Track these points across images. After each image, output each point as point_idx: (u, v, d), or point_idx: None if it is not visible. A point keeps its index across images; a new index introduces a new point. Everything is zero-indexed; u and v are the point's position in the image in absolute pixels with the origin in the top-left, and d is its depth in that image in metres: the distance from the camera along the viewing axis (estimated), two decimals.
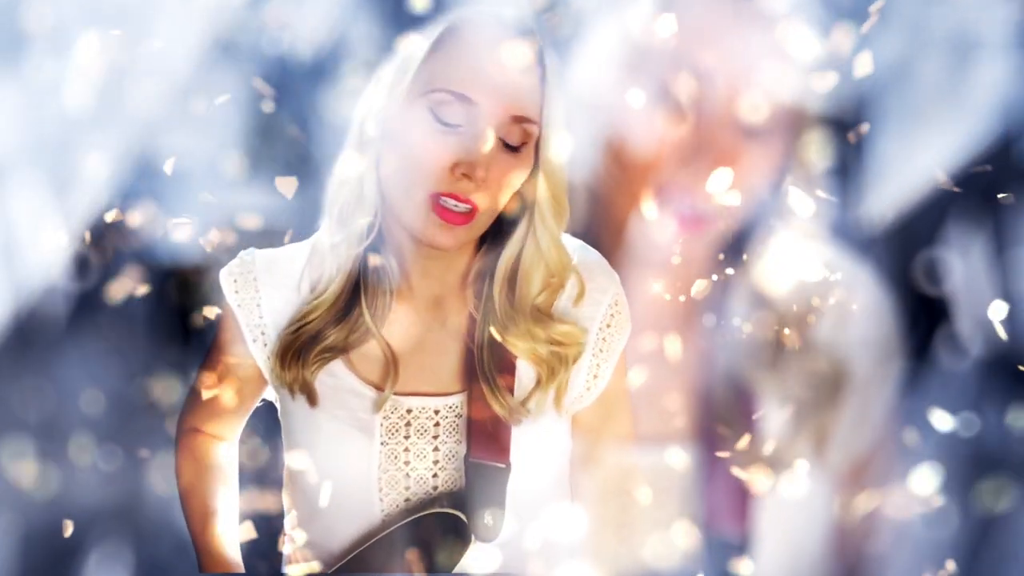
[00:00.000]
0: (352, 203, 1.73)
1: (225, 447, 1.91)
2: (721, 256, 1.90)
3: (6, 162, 1.92)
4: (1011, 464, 1.98)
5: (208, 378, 1.86)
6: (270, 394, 1.88)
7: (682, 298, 1.91)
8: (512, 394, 1.75)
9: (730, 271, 1.90)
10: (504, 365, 1.75)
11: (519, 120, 1.67)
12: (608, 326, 1.79)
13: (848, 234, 1.94)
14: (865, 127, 1.93)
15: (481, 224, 1.70)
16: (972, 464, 1.96)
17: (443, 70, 1.66)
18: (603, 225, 1.90)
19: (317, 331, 1.74)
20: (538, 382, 1.76)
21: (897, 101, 1.92)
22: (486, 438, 1.75)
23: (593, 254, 1.81)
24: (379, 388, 1.77)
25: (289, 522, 1.87)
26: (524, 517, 1.77)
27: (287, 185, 1.85)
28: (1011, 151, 1.93)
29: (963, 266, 1.95)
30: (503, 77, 1.66)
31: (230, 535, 1.86)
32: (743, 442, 1.86)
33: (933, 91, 1.92)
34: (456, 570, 1.76)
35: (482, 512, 1.74)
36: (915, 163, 1.93)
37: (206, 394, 1.85)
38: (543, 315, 1.75)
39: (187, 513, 1.88)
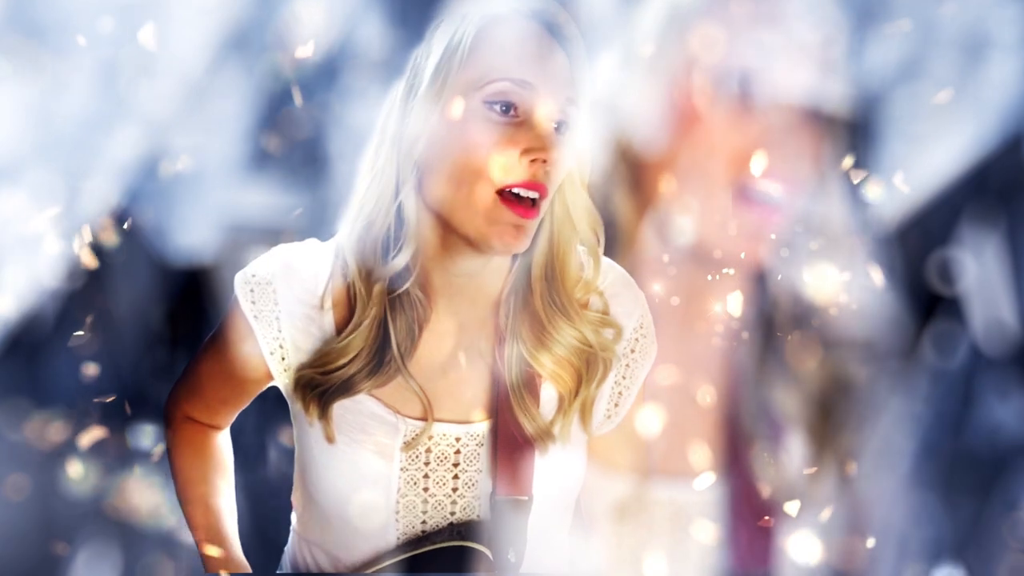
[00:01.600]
0: (390, 241, 1.69)
1: (221, 436, 1.88)
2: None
3: (15, 161, 1.91)
4: (996, 464, 1.96)
5: (206, 373, 1.82)
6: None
7: (675, 300, 1.88)
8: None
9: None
10: (531, 388, 1.72)
11: (570, 101, 1.67)
12: (632, 351, 1.76)
13: (856, 235, 1.94)
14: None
15: (540, 215, 1.68)
16: (960, 464, 1.95)
17: (495, 62, 1.64)
18: (615, 228, 1.88)
19: (347, 379, 1.71)
20: (560, 404, 1.72)
21: (908, 100, 1.92)
22: (511, 471, 1.71)
23: (617, 270, 1.78)
24: (398, 412, 1.72)
25: (297, 522, 1.84)
26: (537, 547, 1.74)
27: (273, 143, 1.83)
28: (1023, 150, 1.92)
29: (977, 266, 1.94)
30: (553, 61, 1.66)
31: (231, 526, 1.84)
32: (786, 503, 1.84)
33: (942, 90, 1.92)
34: None
35: (505, 546, 1.71)
36: (926, 163, 1.93)
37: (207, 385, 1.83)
38: (581, 308, 1.72)
39: (184, 506, 1.85)
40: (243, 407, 1.87)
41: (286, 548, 1.89)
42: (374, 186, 1.70)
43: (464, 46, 1.64)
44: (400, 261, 1.68)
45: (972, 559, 1.95)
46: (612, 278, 1.77)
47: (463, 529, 1.72)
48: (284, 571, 1.86)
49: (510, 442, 1.71)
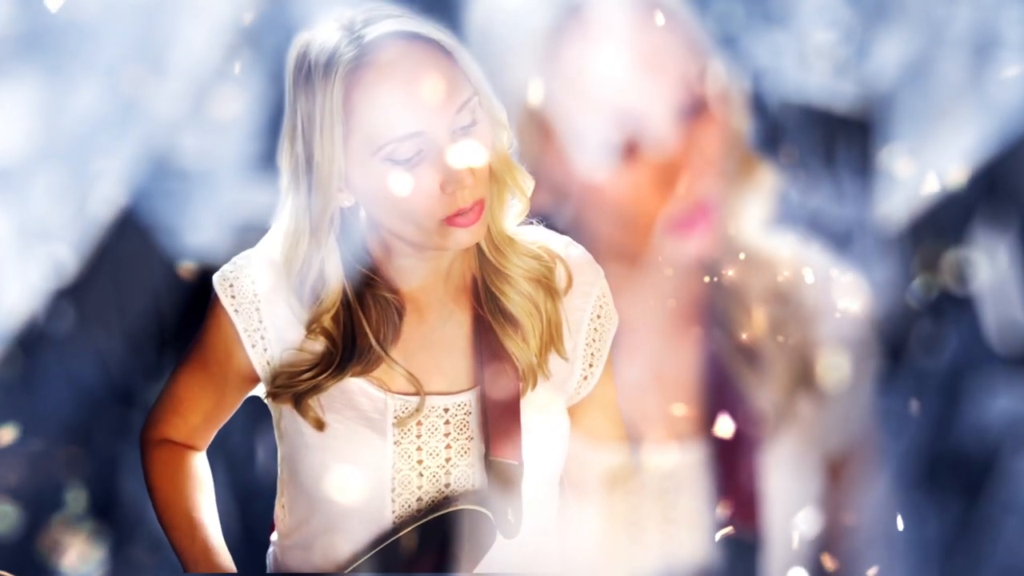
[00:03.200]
0: (318, 287, 1.71)
1: (199, 456, 1.85)
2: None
3: (23, 160, 1.92)
4: (984, 462, 1.95)
5: (186, 386, 1.81)
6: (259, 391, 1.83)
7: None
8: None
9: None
10: (513, 322, 1.76)
11: (467, 101, 1.66)
12: (599, 316, 1.80)
13: (867, 234, 1.94)
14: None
15: (485, 211, 1.70)
16: (946, 464, 1.94)
17: (376, 124, 1.62)
18: (627, 229, 1.89)
19: (313, 387, 1.73)
20: (531, 335, 1.76)
21: (916, 100, 1.93)
22: (502, 434, 1.73)
23: (579, 249, 1.82)
24: (389, 390, 1.74)
25: (282, 532, 1.82)
26: (529, 514, 1.76)
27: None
28: None
29: (990, 265, 1.93)
30: (428, 90, 1.64)
31: (220, 547, 1.80)
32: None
33: (953, 90, 1.93)
34: (478, 569, 1.73)
35: (503, 507, 1.73)
36: (934, 163, 1.93)
37: (184, 402, 1.81)
38: (515, 241, 1.76)
39: (169, 527, 1.81)
40: (222, 422, 1.84)
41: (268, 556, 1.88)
42: (293, 226, 1.69)
43: (334, 113, 1.62)
44: (325, 306, 1.71)
45: (960, 559, 1.93)
46: (574, 252, 1.81)
47: (462, 499, 1.73)
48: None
49: (498, 404, 1.74)
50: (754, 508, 1.86)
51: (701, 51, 1.83)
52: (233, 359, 1.75)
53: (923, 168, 1.93)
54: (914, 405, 1.95)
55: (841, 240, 1.93)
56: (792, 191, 1.94)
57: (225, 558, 1.79)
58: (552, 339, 1.78)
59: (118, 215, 2.03)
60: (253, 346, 1.74)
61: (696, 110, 1.80)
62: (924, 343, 1.96)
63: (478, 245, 1.75)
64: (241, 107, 1.94)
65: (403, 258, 1.74)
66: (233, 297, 1.73)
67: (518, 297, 1.75)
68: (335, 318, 1.72)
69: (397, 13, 1.66)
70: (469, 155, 1.64)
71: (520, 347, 1.75)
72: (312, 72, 1.63)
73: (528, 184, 1.75)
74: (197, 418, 1.82)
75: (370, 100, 1.62)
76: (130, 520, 2.19)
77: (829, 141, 1.97)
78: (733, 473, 1.87)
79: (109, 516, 2.22)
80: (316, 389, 1.72)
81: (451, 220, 1.66)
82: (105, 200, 1.99)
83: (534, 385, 1.76)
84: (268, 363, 1.75)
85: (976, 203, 1.94)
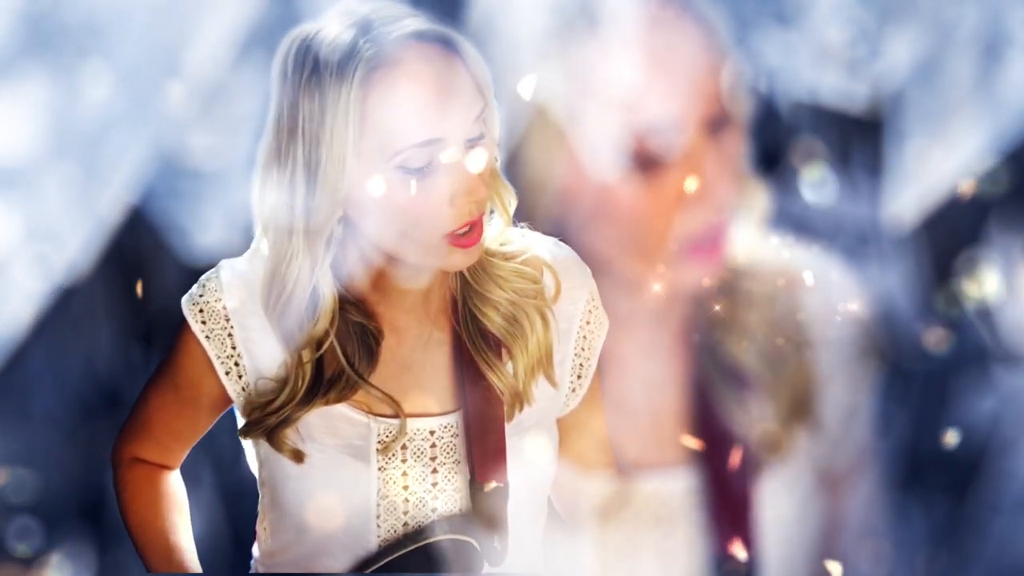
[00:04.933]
0: (309, 307, 1.64)
1: (173, 475, 1.80)
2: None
3: (34, 160, 1.92)
4: (970, 462, 1.95)
5: (157, 408, 1.75)
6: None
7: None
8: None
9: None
10: (495, 349, 1.71)
11: (477, 116, 1.60)
12: (588, 323, 1.76)
13: (878, 234, 1.93)
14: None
15: (484, 232, 1.65)
16: (932, 464, 1.94)
17: (394, 128, 1.55)
18: (634, 247, 1.84)
19: (284, 419, 1.66)
20: (517, 361, 1.71)
21: (926, 100, 1.92)
22: (487, 457, 1.69)
23: (566, 250, 1.77)
24: (372, 413, 1.69)
25: (263, 550, 1.79)
26: (515, 539, 1.73)
27: None
28: None
29: (1004, 266, 1.93)
30: (449, 96, 1.57)
31: (194, 567, 1.77)
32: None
33: (962, 90, 1.92)
34: None
35: (490, 535, 1.70)
36: (945, 163, 1.92)
37: (155, 422, 1.76)
38: (492, 259, 1.70)
39: (144, 549, 1.76)
40: (194, 442, 1.79)
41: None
42: (287, 236, 1.61)
43: (350, 112, 1.54)
44: (320, 328, 1.64)
45: (946, 558, 1.93)
46: (561, 254, 1.76)
47: (447, 525, 1.69)
48: None
49: (482, 427, 1.69)
50: (749, 534, 1.82)
51: (724, 57, 1.75)
52: (205, 385, 1.71)
53: (934, 168, 1.93)
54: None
55: (852, 241, 1.93)
56: (804, 192, 1.95)
57: None
58: (542, 364, 1.72)
59: (128, 214, 2.03)
60: (227, 373, 1.68)
61: (717, 121, 1.73)
62: (928, 347, 1.96)
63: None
64: (252, 106, 1.94)
65: (387, 279, 1.68)
66: (203, 323, 1.67)
67: (501, 320, 1.69)
68: (313, 346, 1.65)
69: (414, 13, 1.60)
70: (480, 166, 1.59)
71: (500, 375, 1.69)
72: (321, 69, 1.55)
73: (511, 200, 1.70)
74: (169, 439, 1.77)
75: (390, 102, 1.55)
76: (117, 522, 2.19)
77: (841, 141, 1.97)
78: (726, 500, 1.83)
79: (96, 518, 2.22)
80: (287, 422, 1.66)
81: (453, 239, 1.60)
82: (115, 199, 1.98)
83: (520, 408, 1.71)
84: (244, 389, 1.69)
85: (989, 203, 1.94)
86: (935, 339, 1.95)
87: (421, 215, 1.58)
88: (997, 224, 1.95)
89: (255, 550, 1.81)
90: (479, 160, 1.60)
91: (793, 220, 1.92)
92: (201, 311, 1.66)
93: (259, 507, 1.78)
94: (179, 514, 1.79)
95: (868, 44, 1.92)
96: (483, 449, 1.69)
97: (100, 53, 1.92)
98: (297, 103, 1.57)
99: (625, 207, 1.75)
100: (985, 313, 1.94)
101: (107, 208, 1.98)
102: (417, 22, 1.59)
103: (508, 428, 1.71)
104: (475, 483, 1.70)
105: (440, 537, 1.69)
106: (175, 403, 1.73)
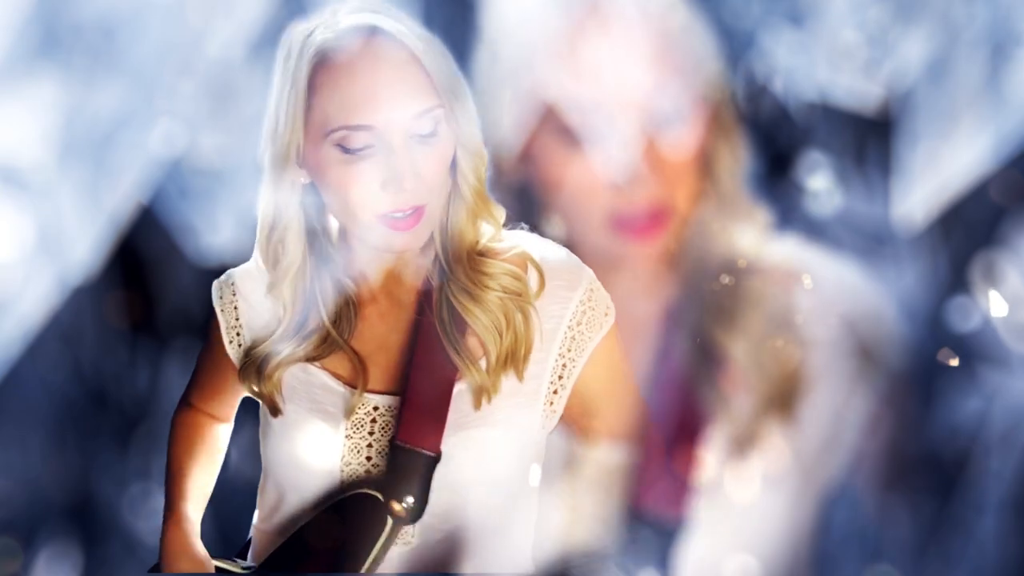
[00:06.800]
0: (280, 247, 1.78)
1: (218, 427, 1.97)
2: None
3: (46, 158, 1.93)
4: (956, 462, 1.95)
5: (202, 365, 1.95)
6: None
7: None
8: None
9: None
10: (467, 339, 1.76)
11: (422, 113, 1.69)
12: (579, 324, 1.78)
13: (887, 233, 1.93)
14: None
15: (433, 216, 1.73)
16: (918, 465, 1.94)
17: (333, 107, 1.68)
18: (576, 223, 1.90)
19: (268, 354, 1.81)
20: (490, 355, 1.76)
21: (935, 99, 1.92)
22: (418, 422, 1.75)
23: (560, 252, 1.80)
24: (350, 384, 1.79)
25: (259, 513, 1.88)
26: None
27: None
28: None
29: (1019, 266, 1.93)
30: (389, 88, 1.68)
31: (192, 510, 1.90)
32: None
33: (972, 89, 1.92)
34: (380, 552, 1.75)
35: (402, 493, 1.74)
36: (954, 163, 1.92)
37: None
38: (483, 257, 1.77)
39: (166, 480, 1.93)
40: (234, 399, 1.94)
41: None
42: (268, 192, 1.78)
43: (299, 89, 1.69)
44: (288, 263, 1.77)
45: (932, 559, 1.93)
46: (552, 256, 1.80)
47: (369, 485, 1.76)
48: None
49: (423, 392, 1.75)
50: (684, 497, 1.83)
51: (701, 63, 1.83)
52: (225, 352, 1.88)
53: (945, 167, 1.93)
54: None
55: (863, 241, 1.93)
56: (809, 203, 1.95)
57: (189, 530, 1.87)
58: (514, 358, 1.76)
59: (139, 214, 2.05)
60: (230, 342, 1.87)
61: (678, 118, 1.81)
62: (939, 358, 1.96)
63: (438, 258, 1.77)
64: (263, 106, 1.94)
65: (357, 246, 1.78)
66: (220, 298, 1.87)
67: (485, 317, 1.75)
68: (293, 285, 1.78)
69: (383, 10, 1.71)
70: (418, 161, 1.68)
71: (469, 363, 1.75)
72: (290, 52, 1.71)
73: (500, 215, 1.79)
74: (211, 391, 1.94)
75: (331, 83, 1.67)
76: (105, 520, 2.21)
77: (853, 141, 1.97)
78: (671, 463, 1.84)
79: (84, 515, 2.24)
80: (270, 358, 1.80)
81: (389, 221, 1.70)
82: (126, 199, 2.01)
83: (488, 399, 1.75)
84: (241, 358, 1.86)
85: (1001, 203, 1.94)
86: (946, 354, 1.95)
87: (352, 193, 1.70)
88: (1012, 223, 1.94)
89: (255, 519, 1.91)
90: (418, 155, 1.69)
91: (805, 220, 1.92)
92: (220, 288, 1.88)
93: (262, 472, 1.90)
94: (197, 463, 1.94)
95: (879, 45, 1.91)
96: (417, 412, 1.75)
97: (111, 53, 1.93)
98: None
99: (563, 180, 1.85)
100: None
101: (118, 208, 2.01)
102: (375, 18, 1.71)
103: (473, 416, 1.76)
104: (396, 442, 1.75)
105: (346, 494, 1.76)
106: (210, 361, 1.92)
